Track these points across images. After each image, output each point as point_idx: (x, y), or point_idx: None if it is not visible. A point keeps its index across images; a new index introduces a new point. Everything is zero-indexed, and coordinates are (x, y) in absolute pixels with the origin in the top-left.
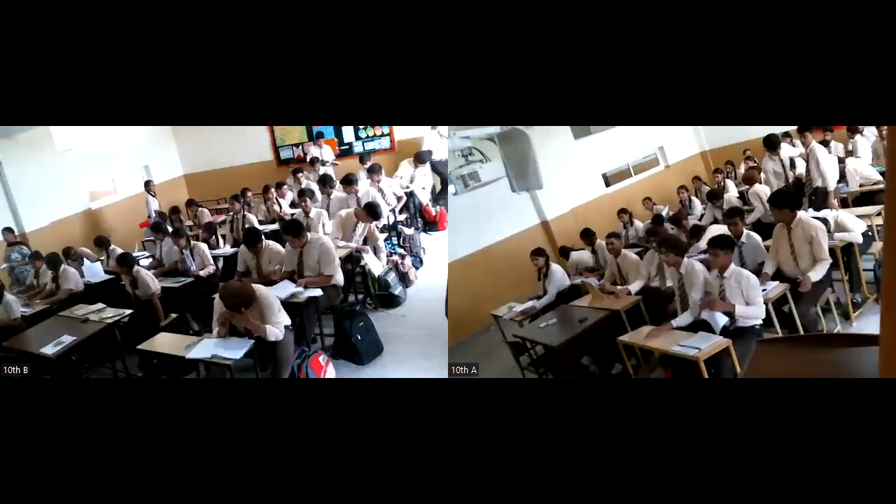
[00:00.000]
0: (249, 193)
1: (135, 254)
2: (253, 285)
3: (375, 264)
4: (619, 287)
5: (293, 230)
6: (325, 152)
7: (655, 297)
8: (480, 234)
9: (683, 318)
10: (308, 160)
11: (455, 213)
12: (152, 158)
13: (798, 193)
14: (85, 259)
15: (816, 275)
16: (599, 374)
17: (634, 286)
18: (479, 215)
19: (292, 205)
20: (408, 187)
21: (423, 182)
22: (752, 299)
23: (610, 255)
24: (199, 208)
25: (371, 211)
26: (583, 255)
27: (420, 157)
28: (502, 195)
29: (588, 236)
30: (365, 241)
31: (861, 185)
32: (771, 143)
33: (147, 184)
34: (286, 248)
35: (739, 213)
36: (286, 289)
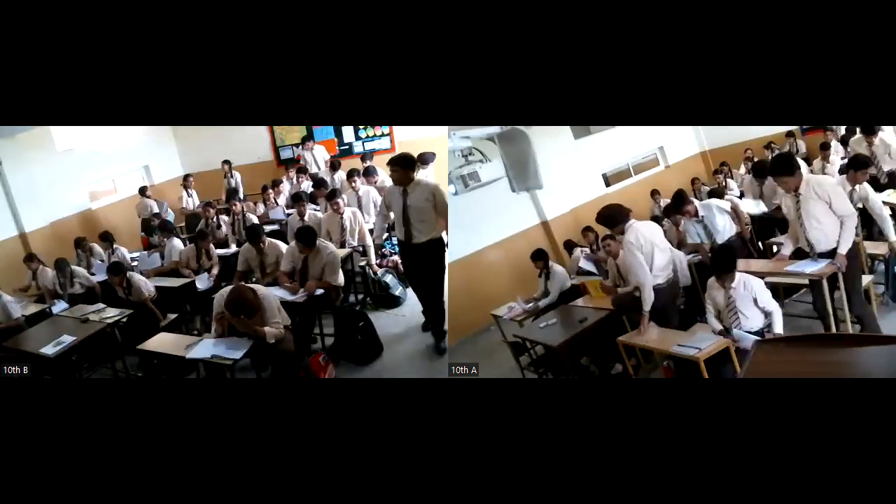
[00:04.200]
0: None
1: (134, 255)
2: (254, 287)
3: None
4: (620, 289)
5: (307, 239)
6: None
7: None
8: (480, 234)
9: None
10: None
11: (455, 213)
12: (152, 158)
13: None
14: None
15: (846, 242)
16: (599, 374)
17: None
18: (479, 215)
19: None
20: None
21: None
22: (766, 303)
23: (609, 257)
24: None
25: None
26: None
27: (423, 159)
28: (502, 195)
29: (589, 234)
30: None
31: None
32: (870, 127)
33: (225, 161)
34: (289, 245)
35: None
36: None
